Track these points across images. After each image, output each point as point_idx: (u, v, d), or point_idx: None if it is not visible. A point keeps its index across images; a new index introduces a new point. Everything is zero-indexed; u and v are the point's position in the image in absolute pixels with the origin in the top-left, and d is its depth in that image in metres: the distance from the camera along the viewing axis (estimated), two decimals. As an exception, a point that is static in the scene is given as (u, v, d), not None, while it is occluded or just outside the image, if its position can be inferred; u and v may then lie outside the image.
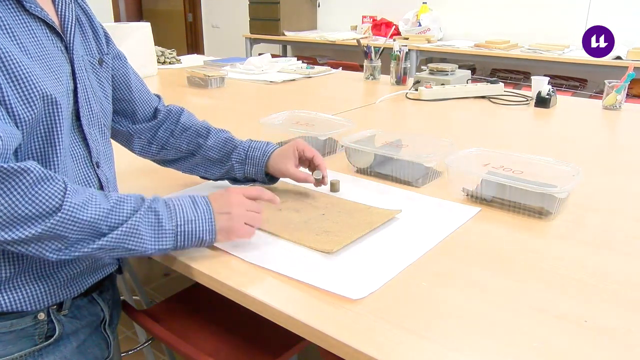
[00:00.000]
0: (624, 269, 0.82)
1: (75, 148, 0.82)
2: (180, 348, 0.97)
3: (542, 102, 1.95)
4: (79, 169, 0.82)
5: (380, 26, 4.46)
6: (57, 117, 0.74)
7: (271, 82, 2.43)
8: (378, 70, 2.48)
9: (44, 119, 0.74)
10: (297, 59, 3.05)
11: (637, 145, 1.54)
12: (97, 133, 0.87)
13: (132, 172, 1.21)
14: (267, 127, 1.40)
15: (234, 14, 5.63)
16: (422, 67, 2.51)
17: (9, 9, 0.71)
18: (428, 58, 3.98)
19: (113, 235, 0.73)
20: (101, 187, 0.87)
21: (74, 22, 0.82)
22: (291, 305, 0.73)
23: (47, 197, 0.68)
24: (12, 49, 0.69)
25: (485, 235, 0.93)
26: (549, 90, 1.96)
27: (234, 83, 2.44)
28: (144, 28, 2.52)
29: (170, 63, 2.91)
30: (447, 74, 2.23)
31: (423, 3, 4.23)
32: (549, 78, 2.05)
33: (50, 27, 0.78)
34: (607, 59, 3.12)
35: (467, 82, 2.24)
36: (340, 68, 2.93)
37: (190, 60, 3.07)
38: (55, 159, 0.76)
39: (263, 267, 0.82)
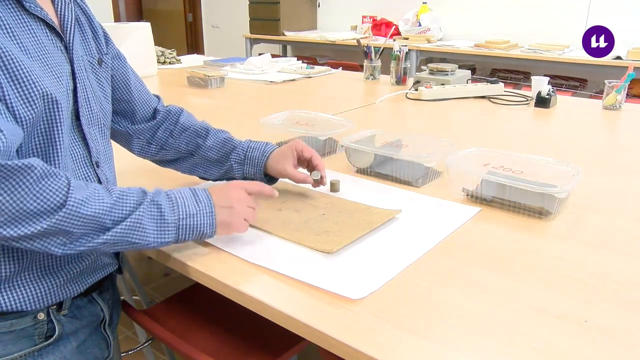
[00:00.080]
0: (624, 269, 0.82)
1: (75, 148, 0.82)
2: (180, 348, 0.97)
3: (542, 102, 1.95)
4: (79, 169, 0.82)
5: (380, 26, 4.46)
6: (57, 117, 0.75)
7: (271, 82, 2.43)
8: (378, 70, 2.48)
9: (45, 119, 0.74)
10: (297, 59, 3.05)
11: (637, 145, 1.54)
12: (96, 133, 0.87)
13: (132, 172, 1.21)
14: (267, 127, 1.40)
15: (234, 14, 5.63)
16: (422, 67, 2.51)
17: (9, 8, 0.71)
18: (428, 58, 3.98)
19: (117, 230, 0.74)
20: (101, 187, 0.87)
21: (73, 22, 0.82)
22: (291, 305, 0.73)
23: (51, 193, 0.68)
24: (12, 49, 0.69)
25: (485, 235, 0.93)
26: (549, 90, 1.96)
27: (234, 83, 2.44)
28: (144, 28, 2.52)
29: (170, 63, 2.91)
30: (447, 74, 2.23)
31: (423, 3, 4.23)
32: (549, 78, 2.05)
33: (50, 27, 0.78)
34: (607, 59, 3.12)
35: (467, 82, 2.24)
36: (340, 68, 2.93)
37: (190, 60, 3.07)
38: (56, 158, 0.76)
39: (263, 267, 0.82)
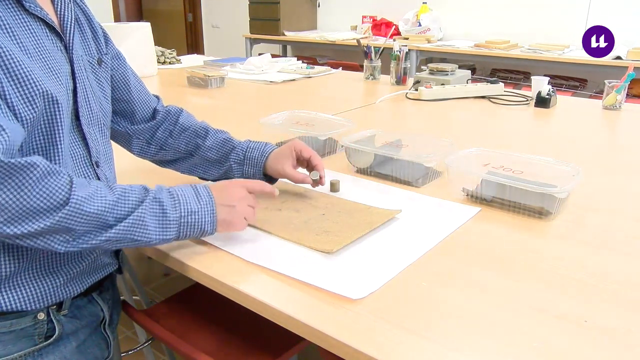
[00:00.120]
0: (624, 269, 0.82)
1: (75, 147, 0.82)
2: (180, 348, 0.97)
3: (542, 102, 1.95)
4: (79, 168, 0.82)
5: (380, 26, 4.46)
6: (57, 116, 0.75)
7: (271, 82, 2.43)
8: (378, 70, 2.48)
9: (45, 118, 0.74)
10: (297, 59, 3.05)
11: (637, 145, 1.54)
12: (96, 133, 0.87)
13: (132, 172, 1.21)
14: (267, 127, 1.40)
15: (234, 14, 5.63)
16: (422, 67, 2.51)
17: (9, 8, 0.71)
18: (428, 58, 3.98)
19: (120, 227, 0.74)
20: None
21: (73, 22, 0.82)
22: (291, 305, 0.73)
23: (54, 191, 0.68)
24: (12, 48, 0.69)
25: (485, 235, 0.93)
26: (549, 90, 1.96)
27: (234, 83, 2.44)
28: (144, 28, 2.52)
29: (170, 63, 2.91)
30: (447, 74, 2.23)
31: (423, 3, 4.23)
32: (549, 78, 2.05)
33: (50, 27, 0.78)
34: (607, 59, 3.12)
35: (467, 82, 2.24)
36: (340, 68, 2.93)
37: (190, 60, 3.07)
38: (56, 157, 0.76)
39: (263, 267, 0.82)
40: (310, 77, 2.61)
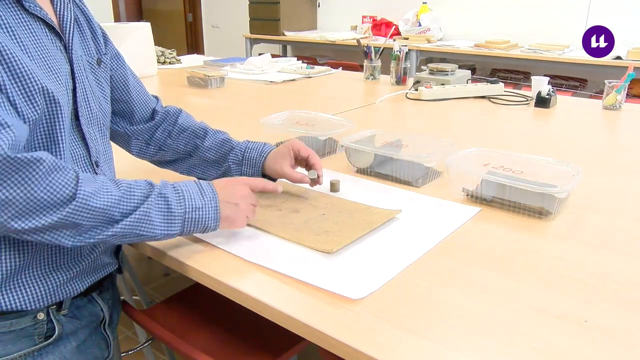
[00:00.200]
0: (624, 269, 0.82)
1: (75, 147, 0.82)
2: (180, 348, 0.97)
3: (542, 102, 1.95)
4: (79, 168, 0.82)
5: (380, 26, 4.46)
6: (58, 116, 0.75)
7: (271, 82, 2.43)
8: (378, 70, 2.48)
9: (46, 118, 0.74)
10: (297, 59, 3.05)
11: (637, 145, 1.54)
12: (96, 132, 0.87)
13: (131, 172, 1.21)
14: (267, 127, 1.40)
15: (234, 14, 5.63)
16: (422, 67, 2.51)
17: (9, 8, 0.71)
18: (428, 58, 3.98)
19: (126, 222, 0.75)
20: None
21: (72, 22, 0.82)
22: (291, 305, 0.73)
23: (61, 186, 0.69)
24: (13, 48, 0.69)
25: (485, 235, 0.93)
26: (549, 90, 1.96)
27: (234, 83, 2.43)
28: (144, 28, 2.52)
29: (170, 63, 2.91)
30: (447, 74, 2.23)
31: (423, 3, 4.23)
32: (549, 78, 2.05)
33: (50, 27, 0.78)
34: (607, 59, 3.12)
35: (467, 82, 2.24)
36: (340, 68, 2.93)
37: (190, 60, 3.07)
38: (58, 157, 0.76)
39: (263, 267, 0.82)
40: (310, 77, 2.61)
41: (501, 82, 2.19)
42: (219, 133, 1.08)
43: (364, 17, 4.64)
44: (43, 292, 0.79)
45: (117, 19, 5.52)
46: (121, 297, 1.05)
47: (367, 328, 0.67)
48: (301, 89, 2.32)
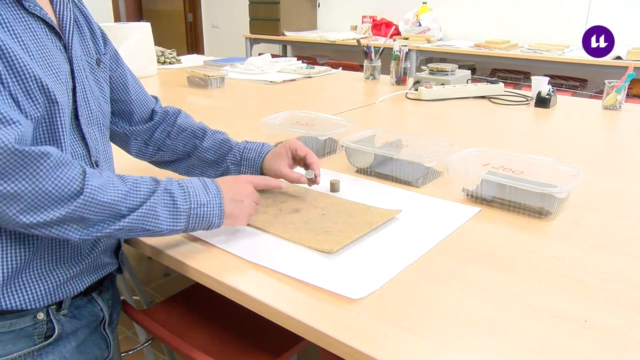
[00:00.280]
0: (624, 269, 0.82)
1: (75, 147, 0.82)
2: (180, 348, 0.97)
3: (542, 102, 1.95)
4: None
5: (380, 26, 4.46)
6: (58, 115, 0.75)
7: (271, 82, 2.43)
8: (378, 70, 2.48)
9: (46, 117, 0.74)
10: (297, 59, 3.05)
11: (637, 145, 1.54)
12: (96, 132, 0.87)
13: (131, 172, 1.19)
14: (267, 127, 1.40)
15: (234, 14, 5.63)
16: (422, 67, 2.51)
17: (9, 7, 0.72)
18: (428, 58, 3.98)
19: (132, 217, 0.75)
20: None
21: (72, 22, 0.82)
22: (291, 305, 0.73)
23: (68, 180, 0.69)
24: (14, 46, 0.69)
25: (485, 235, 0.93)
26: (549, 90, 1.96)
27: (234, 83, 2.44)
28: (144, 28, 2.52)
29: (170, 63, 2.91)
30: (447, 74, 2.23)
31: (423, 3, 4.23)
32: (549, 78, 2.05)
33: (50, 26, 0.78)
34: (607, 59, 3.12)
35: (467, 82, 2.24)
36: (340, 68, 2.93)
37: (190, 60, 3.07)
38: None
39: (263, 267, 0.82)
40: (310, 77, 2.61)
41: (501, 82, 2.19)
42: (218, 133, 1.08)
43: (364, 17, 4.64)
44: (43, 292, 0.79)
45: (117, 19, 5.52)
46: (121, 297, 1.05)
47: (367, 328, 0.67)
48: (301, 89, 2.32)
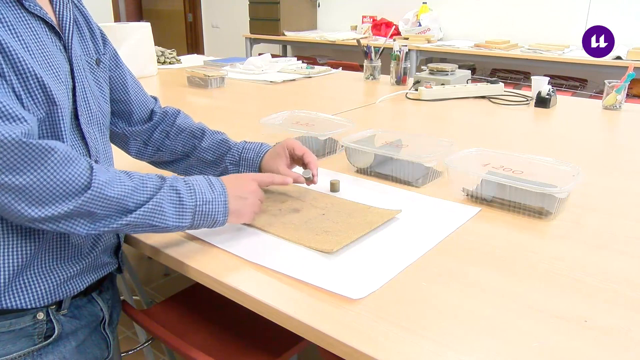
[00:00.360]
0: (624, 269, 0.82)
1: (75, 147, 0.82)
2: (180, 348, 0.97)
3: (542, 102, 1.95)
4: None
5: (380, 26, 4.46)
6: (59, 115, 0.75)
7: (271, 82, 2.43)
8: (378, 70, 2.48)
9: (48, 117, 0.74)
10: (297, 59, 3.05)
11: (637, 145, 1.54)
12: (96, 132, 0.87)
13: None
14: (267, 127, 1.40)
15: (234, 14, 5.63)
16: (422, 67, 2.51)
17: (10, 7, 0.72)
18: (428, 58, 3.98)
19: (139, 212, 0.76)
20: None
21: (71, 22, 0.82)
22: (291, 305, 0.73)
23: (76, 175, 0.70)
24: (16, 47, 0.69)
25: (485, 235, 0.93)
26: (549, 90, 1.96)
27: (234, 83, 2.44)
28: (144, 28, 2.52)
29: (170, 63, 2.91)
30: (447, 74, 2.23)
31: (423, 3, 4.23)
32: (549, 78, 2.05)
33: (50, 26, 0.78)
34: (607, 59, 3.12)
35: (467, 82, 2.24)
36: (340, 68, 2.93)
37: (190, 60, 3.07)
38: None
39: (263, 267, 0.82)
40: (310, 77, 2.61)
41: (501, 82, 2.19)
42: (217, 134, 1.08)
43: (364, 17, 4.64)
44: (44, 291, 0.79)
45: (117, 19, 5.52)
46: (121, 297, 1.05)
47: (367, 328, 0.67)
48: (301, 89, 2.32)
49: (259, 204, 0.92)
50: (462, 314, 0.70)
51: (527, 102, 2.03)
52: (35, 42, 0.74)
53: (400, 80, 2.34)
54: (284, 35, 4.69)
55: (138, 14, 7.04)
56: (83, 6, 0.92)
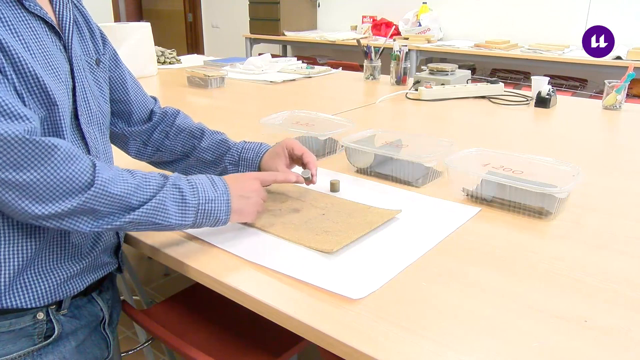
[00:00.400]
0: (624, 269, 0.82)
1: (75, 146, 0.82)
2: (180, 348, 0.97)
3: (542, 102, 1.95)
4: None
5: (380, 26, 4.46)
6: (59, 115, 0.75)
7: (271, 82, 2.43)
8: (378, 70, 2.48)
9: (48, 117, 0.74)
10: (297, 59, 3.05)
11: (637, 145, 1.54)
12: (96, 132, 0.87)
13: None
14: (267, 127, 1.40)
15: (234, 14, 5.63)
16: (422, 67, 2.51)
17: (10, 7, 0.72)
18: (428, 58, 3.98)
19: (142, 210, 0.76)
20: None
21: (71, 22, 0.82)
22: (291, 305, 0.73)
23: (79, 172, 0.70)
24: (17, 46, 0.70)
25: (485, 235, 0.93)
26: (549, 90, 1.96)
27: (234, 83, 2.44)
28: (144, 28, 2.52)
29: (170, 63, 2.91)
30: (447, 74, 2.23)
31: (423, 3, 4.23)
32: (549, 78, 2.05)
33: (50, 26, 0.78)
34: (607, 59, 3.12)
35: (467, 82, 2.24)
36: (340, 68, 2.93)
37: (190, 60, 3.07)
38: None
39: (263, 266, 0.82)
40: (310, 77, 2.61)
41: (501, 82, 2.19)
42: (216, 134, 1.08)
43: (364, 17, 4.64)
44: (44, 290, 0.79)
45: (117, 19, 5.52)
46: (121, 297, 1.05)
47: (367, 328, 0.67)
48: (301, 89, 2.32)
49: (262, 203, 0.93)
50: (462, 314, 0.70)
51: (527, 102, 2.03)
52: (36, 42, 0.74)
53: (400, 80, 2.34)
54: (284, 35, 4.69)
55: (138, 14, 7.04)
56: (83, 6, 0.92)
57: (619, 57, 3.13)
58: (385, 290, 0.75)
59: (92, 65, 0.89)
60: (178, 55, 3.01)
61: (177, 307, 1.18)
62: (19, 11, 0.73)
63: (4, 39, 0.68)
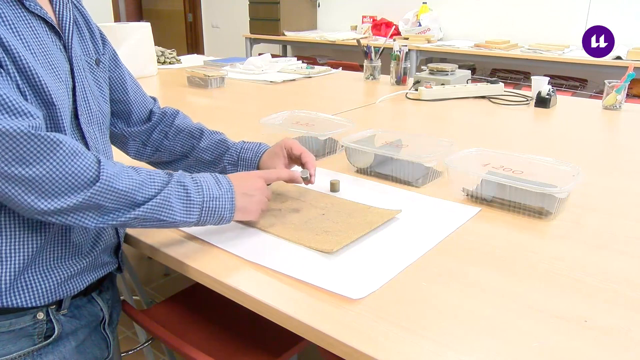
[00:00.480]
0: (624, 269, 0.82)
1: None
2: (180, 348, 0.97)
3: (542, 102, 1.95)
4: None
5: (380, 26, 4.46)
6: (59, 115, 0.75)
7: (271, 82, 2.43)
8: (378, 70, 2.48)
9: (48, 116, 0.74)
10: (297, 59, 3.05)
11: (637, 145, 1.54)
12: (96, 132, 0.87)
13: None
14: (267, 127, 1.40)
15: (234, 14, 5.63)
16: (422, 67, 2.51)
17: (11, 6, 0.72)
18: (428, 58, 3.98)
19: (147, 206, 0.76)
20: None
21: (71, 22, 0.82)
22: (291, 305, 0.73)
23: (85, 167, 0.70)
24: (17, 46, 0.70)
25: (485, 235, 0.93)
26: (549, 90, 1.96)
27: (234, 83, 2.44)
28: (144, 28, 2.52)
29: (170, 63, 2.91)
30: (447, 74, 2.23)
31: (423, 3, 4.23)
32: (549, 78, 2.05)
33: (50, 26, 0.78)
34: (607, 59, 3.12)
35: (467, 82, 2.24)
36: (340, 68, 2.93)
37: (190, 60, 3.07)
38: None
39: (263, 266, 0.82)
40: (310, 77, 2.61)
41: (501, 82, 2.19)
42: (215, 134, 1.08)
43: (364, 17, 4.64)
44: (44, 290, 0.79)
45: (117, 19, 5.52)
46: (121, 297, 1.05)
47: (367, 328, 0.67)
48: (301, 89, 2.32)
49: (266, 201, 0.93)
50: (462, 314, 0.70)
51: (527, 102, 2.03)
52: (36, 41, 0.74)
53: (400, 80, 2.34)
54: (284, 35, 4.69)
55: (138, 14, 7.04)
56: (82, 6, 0.92)
57: (619, 57, 3.14)
58: (385, 290, 0.75)
59: (92, 65, 0.89)
60: (178, 55, 3.01)
61: (177, 307, 1.18)
62: (20, 11, 0.73)
63: (5, 37, 0.68)
